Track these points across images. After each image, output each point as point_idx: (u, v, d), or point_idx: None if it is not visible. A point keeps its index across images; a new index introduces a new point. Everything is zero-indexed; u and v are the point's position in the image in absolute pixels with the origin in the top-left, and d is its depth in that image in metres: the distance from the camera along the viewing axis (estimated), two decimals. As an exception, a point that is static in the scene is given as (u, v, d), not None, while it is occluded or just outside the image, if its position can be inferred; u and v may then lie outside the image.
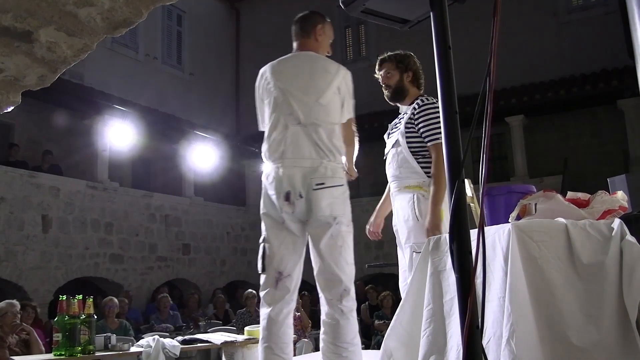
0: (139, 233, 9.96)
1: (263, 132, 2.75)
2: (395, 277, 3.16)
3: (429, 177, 2.88)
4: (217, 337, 5.05)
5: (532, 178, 10.13)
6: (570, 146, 11.02)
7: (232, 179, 11.83)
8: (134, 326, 7.10)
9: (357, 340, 2.55)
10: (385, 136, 3.19)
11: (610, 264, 1.82)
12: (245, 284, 11.29)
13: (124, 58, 12.11)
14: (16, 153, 9.05)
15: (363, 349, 2.66)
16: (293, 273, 2.60)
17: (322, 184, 2.51)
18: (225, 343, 4.81)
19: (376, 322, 7.87)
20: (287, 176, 2.54)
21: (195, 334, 5.75)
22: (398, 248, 3.05)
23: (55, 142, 9.92)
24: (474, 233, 1.30)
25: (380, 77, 3.14)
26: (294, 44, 2.80)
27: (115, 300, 6.57)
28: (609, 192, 2.15)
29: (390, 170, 3.06)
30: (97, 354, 4.12)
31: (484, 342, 1.76)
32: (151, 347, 4.60)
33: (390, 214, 3.14)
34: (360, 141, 2.85)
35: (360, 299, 2.72)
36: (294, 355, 3.30)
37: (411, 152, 2.93)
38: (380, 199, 3.31)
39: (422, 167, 2.91)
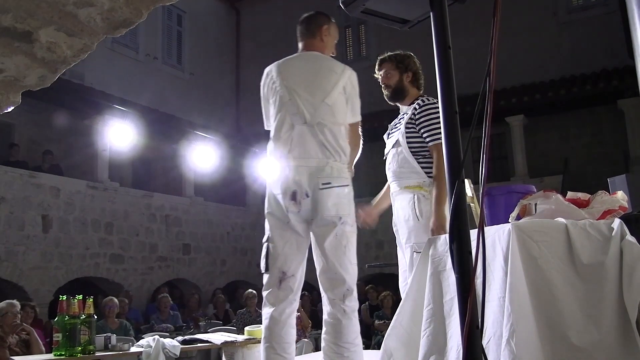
0: (139, 233, 9.96)
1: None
2: (395, 277, 3.16)
3: (429, 177, 2.88)
4: (217, 337, 5.05)
5: (532, 178, 10.13)
6: (570, 146, 11.03)
7: (232, 179, 11.82)
8: (134, 326, 7.10)
9: (359, 340, 2.55)
10: (385, 136, 3.19)
11: (610, 264, 1.82)
12: (245, 284, 11.29)
13: (124, 58, 12.12)
14: (16, 153, 9.05)
15: (363, 349, 2.66)
16: (296, 273, 2.60)
17: (329, 183, 2.51)
18: (226, 343, 4.82)
19: (376, 322, 7.88)
20: (293, 175, 2.53)
21: (195, 334, 5.76)
22: (398, 248, 3.05)
23: (56, 142, 9.93)
24: (474, 233, 1.30)
25: (379, 77, 3.14)
26: (300, 44, 2.80)
27: (116, 300, 6.57)
28: (609, 192, 2.15)
29: (390, 170, 3.06)
30: (97, 354, 4.13)
31: (484, 342, 1.76)
32: (151, 347, 4.60)
33: (388, 213, 3.13)
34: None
35: (360, 299, 2.72)
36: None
37: (411, 152, 2.93)
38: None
39: (422, 167, 2.91)
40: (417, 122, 2.93)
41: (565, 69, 10.95)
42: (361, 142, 2.79)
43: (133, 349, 4.60)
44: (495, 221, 2.16)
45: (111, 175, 9.71)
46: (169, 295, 8.27)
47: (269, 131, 2.75)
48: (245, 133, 13.53)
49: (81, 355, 3.95)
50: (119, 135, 9.40)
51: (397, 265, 3.06)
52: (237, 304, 9.62)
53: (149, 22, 10.54)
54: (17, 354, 4.72)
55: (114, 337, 4.42)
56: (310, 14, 2.82)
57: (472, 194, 2.78)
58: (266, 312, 2.58)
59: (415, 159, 2.92)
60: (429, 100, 2.98)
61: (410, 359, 2.09)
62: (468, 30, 9.16)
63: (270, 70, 2.73)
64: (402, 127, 3.00)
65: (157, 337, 4.83)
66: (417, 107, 2.96)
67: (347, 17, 12.96)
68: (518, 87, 10.91)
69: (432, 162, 2.88)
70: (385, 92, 3.12)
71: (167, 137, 11.06)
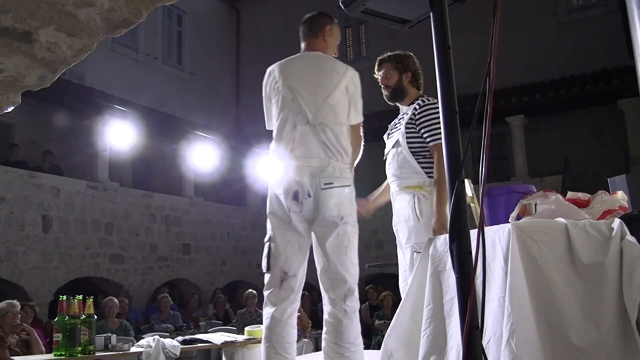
0: (139, 233, 9.96)
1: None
2: (395, 277, 3.16)
3: (429, 177, 2.88)
4: (217, 337, 5.05)
5: (532, 178, 10.13)
6: (571, 146, 11.02)
7: (232, 179, 11.82)
8: (134, 326, 7.10)
9: (360, 340, 2.55)
10: (385, 136, 3.19)
11: (610, 264, 1.82)
12: (245, 284, 11.29)
13: (124, 58, 12.12)
14: (16, 153, 9.05)
15: (364, 349, 2.66)
16: (298, 273, 2.60)
17: (331, 183, 2.51)
18: (226, 343, 4.81)
19: (376, 322, 7.88)
20: (295, 175, 2.53)
21: (195, 334, 5.76)
22: (398, 248, 3.05)
23: (56, 142, 9.92)
24: (474, 233, 1.30)
25: (379, 77, 3.14)
26: (302, 44, 2.80)
27: (116, 300, 6.57)
28: (609, 192, 2.15)
29: (390, 170, 3.06)
30: (97, 354, 4.12)
31: (484, 342, 1.76)
32: (151, 347, 4.60)
33: (388, 213, 3.13)
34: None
35: (360, 299, 2.72)
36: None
37: (412, 152, 2.93)
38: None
39: (422, 167, 2.91)
40: (417, 122, 2.94)
41: (565, 69, 10.95)
42: (362, 142, 2.79)
43: (133, 349, 4.60)
44: (495, 221, 2.16)
45: (111, 175, 9.71)
46: (169, 295, 8.28)
47: (269, 131, 2.75)
48: (245, 133, 13.53)
49: (81, 355, 3.95)
50: (119, 135, 9.40)
51: (397, 265, 3.06)
52: (237, 304, 9.62)
53: (149, 22, 10.56)
54: (17, 354, 4.72)
55: (114, 337, 4.42)
56: (313, 14, 2.82)
57: (472, 194, 2.79)
58: (267, 311, 2.58)
59: (416, 159, 2.92)
60: (429, 100, 2.98)
61: (410, 359, 2.09)
62: (468, 30, 9.15)
63: (273, 70, 2.73)
64: (402, 127, 3.00)
65: (157, 337, 4.83)
66: (417, 107, 2.96)
67: (347, 17, 12.95)
68: (518, 87, 10.91)
69: (432, 162, 2.88)
70: (384, 92, 3.12)
71: (167, 137, 11.06)
